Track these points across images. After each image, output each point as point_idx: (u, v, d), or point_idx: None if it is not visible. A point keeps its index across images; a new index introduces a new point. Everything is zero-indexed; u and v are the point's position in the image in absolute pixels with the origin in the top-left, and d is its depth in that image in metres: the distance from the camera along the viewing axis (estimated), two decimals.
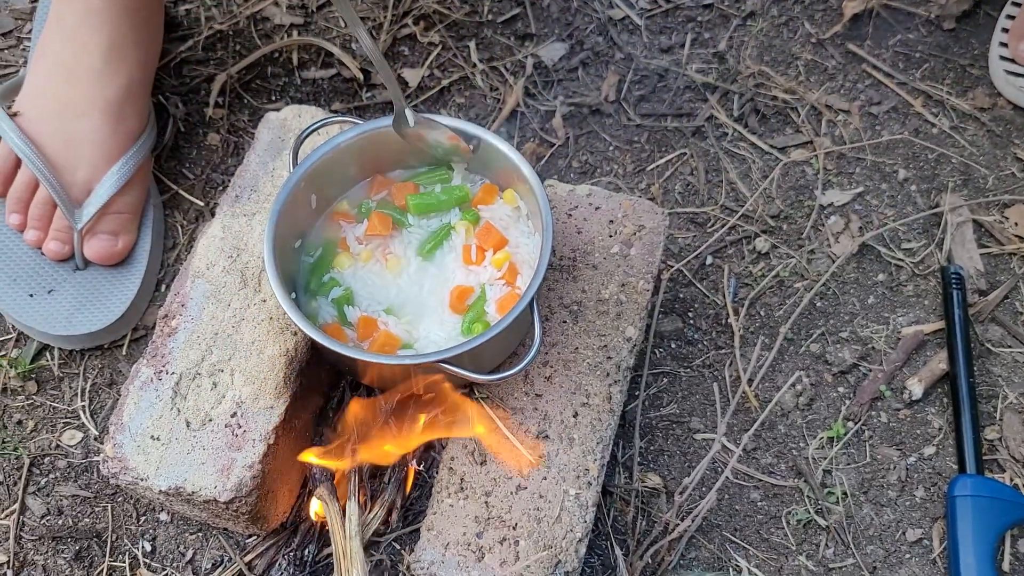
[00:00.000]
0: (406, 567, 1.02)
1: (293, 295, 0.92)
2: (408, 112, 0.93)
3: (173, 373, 0.97)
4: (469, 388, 0.98)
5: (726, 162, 1.27)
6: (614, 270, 1.02)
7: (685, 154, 1.28)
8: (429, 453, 1.06)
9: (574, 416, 0.95)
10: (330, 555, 1.02)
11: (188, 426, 0.94)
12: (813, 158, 1.27)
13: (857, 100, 1.31)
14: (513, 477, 0.93)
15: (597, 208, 1.06)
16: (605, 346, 0.99)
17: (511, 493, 0.92)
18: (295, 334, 0.98)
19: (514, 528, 0.91)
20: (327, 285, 0.96)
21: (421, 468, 1.05)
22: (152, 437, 0.94)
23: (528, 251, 0.96)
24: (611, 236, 1.04)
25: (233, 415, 0.95)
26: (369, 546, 1.01)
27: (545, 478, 0.93)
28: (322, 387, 1.06)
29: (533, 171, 0.92)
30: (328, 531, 1.03)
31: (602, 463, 0.94)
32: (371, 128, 0.97)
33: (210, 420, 0.95)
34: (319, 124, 0.98)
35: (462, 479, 0.93)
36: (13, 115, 1.14)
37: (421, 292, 0.96)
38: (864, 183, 1.25)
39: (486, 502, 0.92)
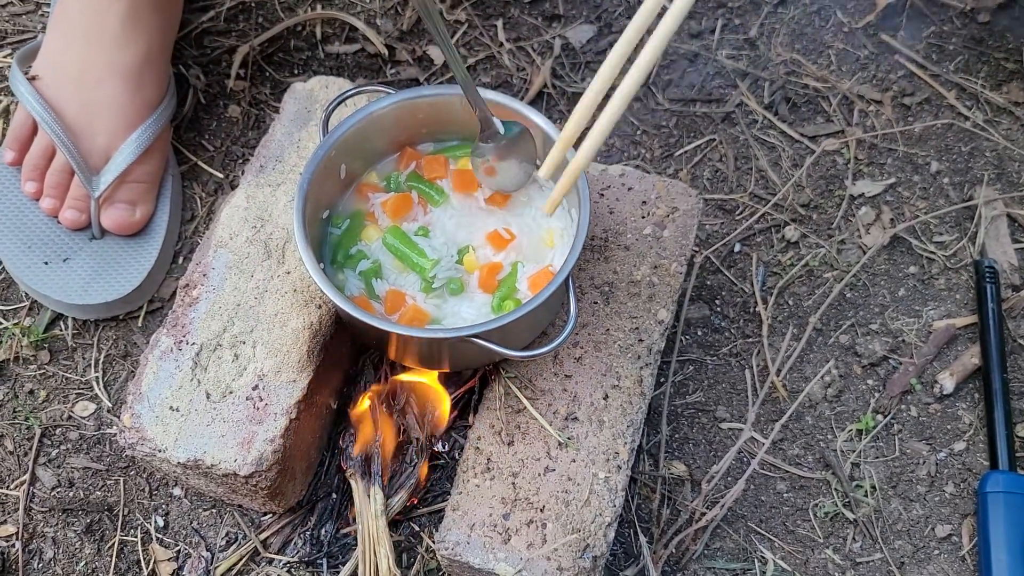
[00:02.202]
0: (425, 549, 1.00)
1: (320, 266, 0.89)
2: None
3: (193, 343, 0.95)
4: (495, 367, 0.96)
5: (756, 149, 1.25)
6: (647, 252, 1.00)
7: (714, 140, 1.26)
8: (450, 434, 1.04)
9: (604, 399, 0.93)
10: (346, 535, 1.00)
11: (208, 398, 0.92)
12: (844, 148, 1.24)
13: (889, 91, 1.29)
14: (541, 459, 0.90)
15: (630, 188, 1.04)
16: (636, 328, 0.96)
17: (539, 475, 0.90)
18: (320, 307, 0.95)
19: (541, 510, 0.88)
20: (354, 258, 0.94)
21: (443, 449, 1.02)
22: (171, 408, 0.92)
23: (563, 224, 0.94)
24: (644, 217, 1.02)
25: (255, 388, 0.92)
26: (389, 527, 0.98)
27: (574, 460, 0.90)
28: (343, 363, 1.04)
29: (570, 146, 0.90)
30: (344, 511, 1.01)
31: (632, 447, 0.92)
32: (403, 98, 0.94)
33: (231, 392, 0.92)
34: (352, 92, 0.95)
35: (489, 459, 0.91)
36: (31, 79, 1.12)
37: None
38: (896, 174, 1.23)
39: (513, 483, 0.90)
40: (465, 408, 1.03)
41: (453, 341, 0.84)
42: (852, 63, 1.31)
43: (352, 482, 0.98)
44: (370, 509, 0.92)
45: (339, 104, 0.97)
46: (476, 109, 0.89)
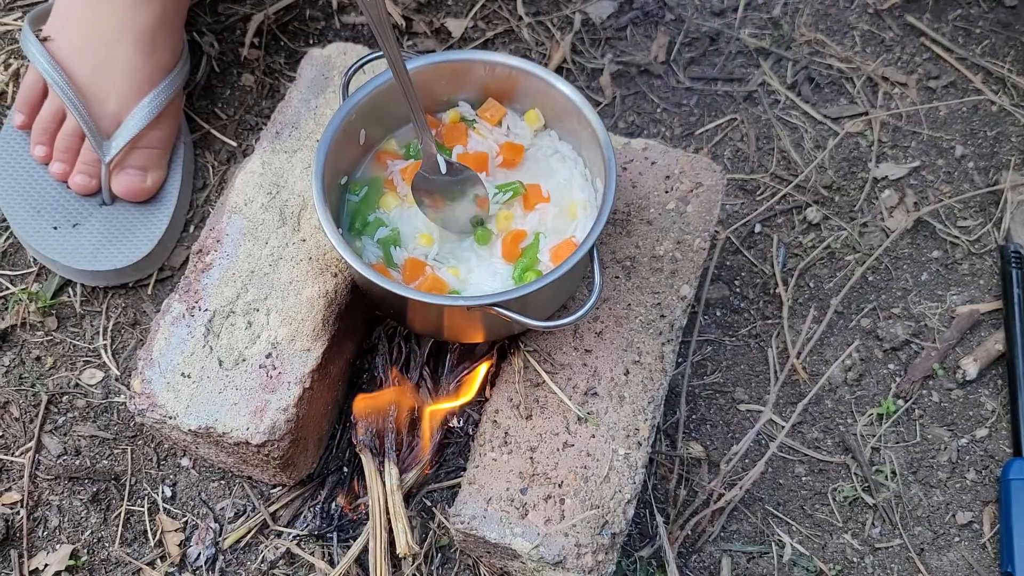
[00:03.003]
0: (437, 524, 0.98)
1: (339, 232, 0.87)
2: (440, 159, 0.87)
3: (206, 310, 0.93)
4: (514, 340, 0.94)
5: (778, 130, 1.23)
6: (669, 227, 0.98)
7: (735, 119, 1.24)
8: (464, 409, 1.02)
9: (625, 374, 0.91)
10: (357, 509, 0.98)
11: (221, 365, 0.90)
12: (868, 130, 1.22)
13: (915, 73, 1.26)
14: (560, 433, 0.89)
15: (653, 163, 1.02)
16: (659, 304, 0.94)
17: (557, 450, 0.88)
18: (335, 275, 0.93)
19: (560, 486, 0.86)
20: (373, 225, 0.92)
21: (458, 424, 1.00)
22: (183, 374, 0.90)
23: (586, 195, 0.92)
24: (667, 192, 1.00)
25: (268, 356, 0.90)
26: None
27: (593, 436, 0.89)
28: (357, 334, 1.02)
29: (595, 112, 0.88)
30: (355, 485, 0.99)
31: (653, 423, 0.90)
32: (424, 63, 0.92)
33: (244, 360, 0.90)
34: (372, 57, 0.93)
35: (506, 433, 0.89)
36: (43, 40, 1.09)
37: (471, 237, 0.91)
38: (920, 158, 1.21)
39: (531, 457, 0.88)
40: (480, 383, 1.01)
41: (474, 310, 0.82)
42: (877, 45, 1.29)
43: (363, 457, 0.96)
44: (381, 485, 0.90)
45: (358, 70, 0.94)
46: (420, 139, 0.86)
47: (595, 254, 0.83)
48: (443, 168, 0.87)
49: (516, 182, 0.91)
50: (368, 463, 0.93)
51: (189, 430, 0.88)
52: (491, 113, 0.95)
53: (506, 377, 0.92)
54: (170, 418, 0.88)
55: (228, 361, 0.90)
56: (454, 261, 0.90)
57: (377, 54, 0.94)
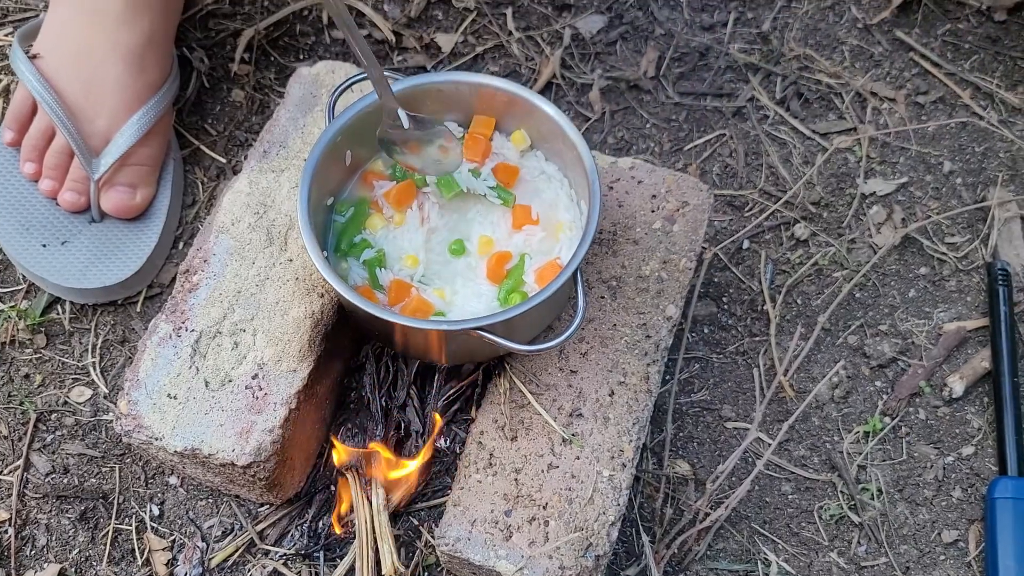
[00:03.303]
0: (424, 544, 0.98)
1: (323, 255, 0.87)
2: (401, 113, 0.87)
3: (193, 330, 0.93)
4: (499, 361, 0.94)
5: (767, 145, 1.23)
6: (656, 246, 0.98)
7: (724, 135, 1.24)
8: (451, 428, 1.02)
9: (610, 395, 0.92)
10: (345, 526, 0.99)
11: (207, 386, 0.90)
12: (856, 145, 1.23)
13: (903, 88, 1.27)
14: (544, 455, 0.89)
15: (640, 182, 1.02)
16: (644, 324, 0.95)
17: (542, 471, 0.88)
18: (322, 296, 0.94)
19: (544, 508, 0.87)
20: (358, 246, 0.92)
21: (443, 444, 1.01)
22: (169, 396, 0.90)
23: (571, 216, 0.92)
24: (653, 211, 1.00)
25: (254, 377, 0.91)
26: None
27: (578, 458, 0.89)
28: (344, 354, 1.02)
29: (579, 134, 0.88)
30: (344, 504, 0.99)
31: (638, 445, 0.90)
32: (411, 84, 0.93)
33: (230, 381, 0.91)
34: (359, 77, 0.93)
35: (491, 454, 0.90)
36: (32, 57, 1.10)
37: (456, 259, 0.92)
38: (908, 174, 1.21)
39: (516, 479, 0.88)
40: (467, 402, 1.02)
41: (457, 333, 0.82)
42: (866, 60, 1.29)
43: (348, 478, 0.96)
44: (367, 506, 0.90)
45: (346, 89, 0.95)
46: (378, 93, 0.86)
47: (579, 277, 0.83)
48: (405, 122, 0.87)
49: (508, 192, 0.92)
50: (354, 485, 0.93)
51: (175, 451, 0.88)
52: (482, 128, 0.96)
53: (491, 398, 0.93)
54: (156, 439, 0.89)
55: (214, 382, 0.91)
56: (439, 282, 0.91)
57: (364, 75, 0.94)
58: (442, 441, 1.00)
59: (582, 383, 0.92)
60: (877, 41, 1.30)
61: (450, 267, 0.91)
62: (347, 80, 0.95)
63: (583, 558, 0.85)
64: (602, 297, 0.96)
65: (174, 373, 0.91)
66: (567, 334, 0.81)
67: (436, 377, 1.00)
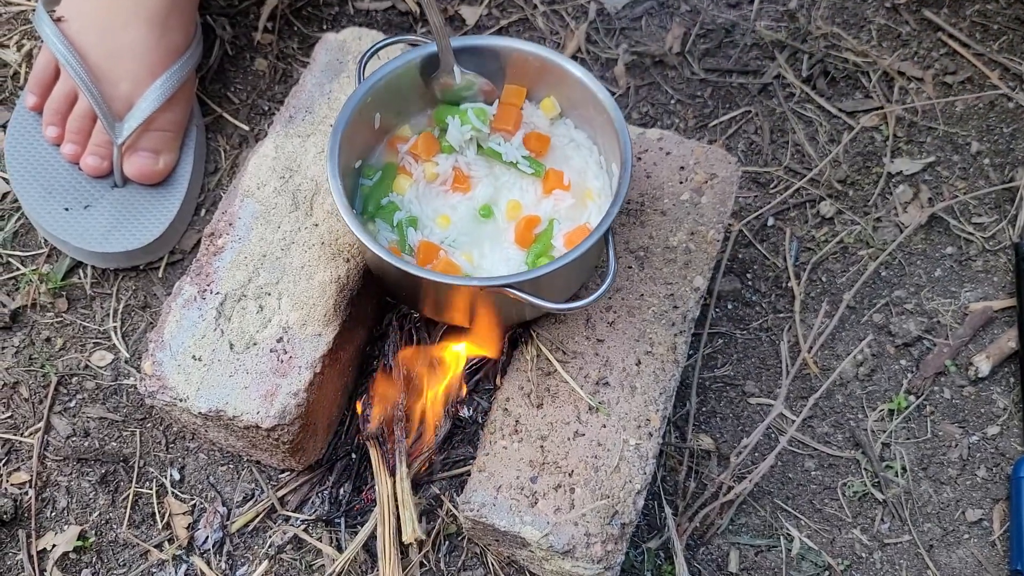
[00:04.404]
0: (445, 512, 0.98)
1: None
2: (457, 68, 0.91)
3: (218, 293, 0.92)
4: (526, 329, 0.94)
5: (793, 123, 1.22)
6: (683, 217, 0.98)
7: (750, 112, 1.23)
8: (473, 398, 1.02)
9: (637, 364, 0.91)
10: (362, 492, 0.98)
11: (232, 348, 0.90)
12: (883, 124, 1.22)
13: (931, 68, 1.26)
14: (571, 423, 0.88)
15: (668, 153, 1.01)
16: (672, 295, 0.94)
17: (568, 439, 0.88)
18: (347, 260, 0.93)
19: (570, 475, 0.86)
20: (386, 208, 0.91)
21: (466, 413, 1.00)
22: (194, 357, 0.89)
23: (600, 183, 0.91)
24: (681, 183, 0.99)
25: (279, 340, 0.90)
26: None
27: (604, 426, 0.88)
28: (368, 321, 1.02)
29: (610, 96, 0.88)
30: (363, 471, 0.99)
31: (664, 414, 0.89)
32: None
33: (255, 344, 0.90)
34: (389, 41, 0.93)
35: (517, 421, 0.89)
36: (57, 20, 1.09)
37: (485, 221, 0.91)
38: (935, 153, 1.20)
39: (542, 446, 0.88)
40: (490, 373, 1.01)
41: (487, 291, 0.81)
42: (893, 39, 1.28)
43: (370, 448, 0.96)
44: (388, 474, 0.90)
45: (373, 55, 0.94)
46: (439, 46, 0.90)
47: (610, 238, 0.83)
48: (458, 78, 0.91)
49: (540, 163, 0.91)
50: (375, 453, 0.93)
51: (199, 413, 0.88)
52: (513, 98, 0.95)
53: (518, 365, 0.92)
54: (180, 400, 0.88)
55: (239, 345, 0.90)
56: (468, 246, 0.90)
57: (392, 39, 0.94)
58: (465, 410, 1.00)
59: (609, 352, 0.91)
60: (905, 20, 1.29)
61: (479, 230, 0.90)
62: (375, 44, 0.94)
63: (609, 526, 0.84)
64: (629, 267, 0.95)
65: (199, 335, 0.90)
66: (600, 292, 0.80)
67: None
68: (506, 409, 0.90)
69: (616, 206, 0.81)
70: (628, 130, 0.86)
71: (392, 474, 0.94)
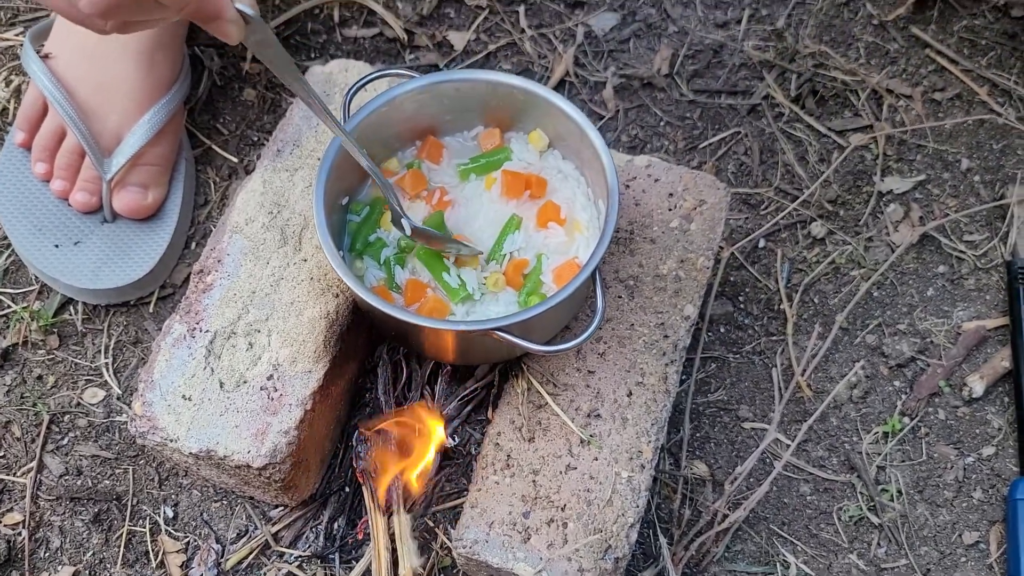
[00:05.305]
0: (439, 545, 0.97)
1: (340, 254, 0.87)
2: (405, 221, 0.87)
3: (207, 331, 0.92)
4: (516, 361, 0.93)
5: (782, 143, 1.22)
6: (673, 245, 0.97)
7: (739, 133, 1.23)
8: (464, 428, 1.01)
9: (628, 395, 0.91)
10: (356, 527, 0.98)
11: (222, 387, 0.90)
12: (872, 143, 1.22)
13: (920, 86, 1.25)
14: (563, 456, 0.88)
15: (656, 180, 1.01)
16: (662, 324, 0.94)
17: (560, 473, 0.88)
18: (337, 296, 0.93)
19: (563, 509, 0.86)
20: (374, 245, 0.91)
21: (455, 442, 1.00)
22: (184, 397, 0.89)
23: (588, 215, 0.91)
24: (670, 210, 0.99)
25: (269, 377, 0.90)
26: None
27: (596, 459, 0.88)
28: (359, 354, 1.01)
29: (597, 132, 0.88)
30: (357, 505, 0.99)
31: (656, 446, 0.89)
32: (427, 83, 0.92)
33: (245, 382, 0.90)
34: (374, 75, 0.93)
35: (508, 455, 0.89)
36: (44, 57, 1.09)
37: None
38: (925, 171, 1.20)
39: (534, 481, 0.87)
40: (482, 403, 1.01)
41: (475, 334, 0.81)
42: (882, 57, 1.28)
43: (363, 486, 0.96)
44: (381, 513, 0.90)
45: (360, 88, 0.94)
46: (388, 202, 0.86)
47: (597, 278, 0.82)
48: (407, 230, 0.87)
49: (514, 215, 0.91)
50: (368, 492, 0.93)
51: (190, 453, 0.88)
52: (490, 142, 0.95)
53: (508, 399, 0.92)
54: (171, 441, 0.88)
55: (229, 383, 0.90)
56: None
57: (378, 73, 0.94)
58: (450, 440, 0.99)
59: (600, 383, 0.91)
60: (893, 38, 1.29)
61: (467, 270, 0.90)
62: (361, 79, 0.94)
63: (602, 560, 0.84)
64: (619, 296, 0.95)
65: (189, 374, 0.90)
66: (585, 335, 0.80)
67: (442, 377, 0.99)
68: (497, 443, 0.89)
69: (602, 247, 0.81)
70: (614, 162, 0.86)
71: (387, 511, 0.93)
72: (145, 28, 0.69)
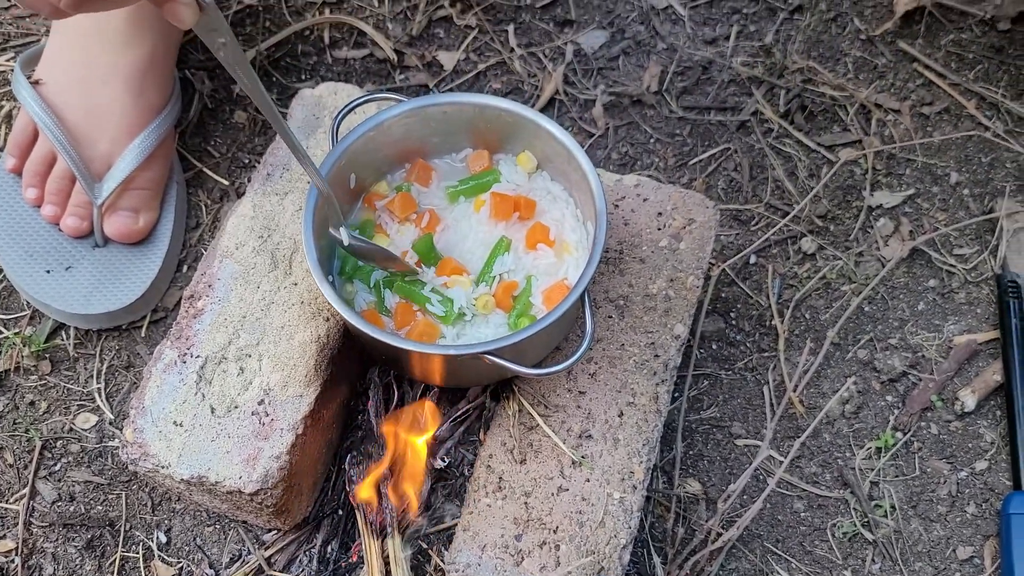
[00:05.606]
0: (433, 567, 0.97)
1: (329, 278, 0.87)
2: (343, 230, 0.86)
3: (198, 356, 0.92)
4: (507, 383, 0.93)
5: (772, 159, 1.23)
6: (662, 264, 0.98)
7: (729, 149, 1.24)
8: (458, 450, 1.01)
9: (619, 416, 0.91)
10: (350, 550, 0.98)
11: (213, 412, 0.90)
12: (862, 158, 1.22)
13: (908, 100, 1.26)
14: (554, 478, 0.88)
15: (645, 199, 1.01)
16: (652, 343, 0.94)
17: (552, 494, 0.87)
18: (327, 319, 0.93)
19: (555, 531, 0.86)
20: (363, 269, 0.91)
21: (446, 462, 0.99)
22: (175, 423, 0.89)
23: (577, 236, 0.91)
24: (660, 229, 1.00)
25: (260, 402, 0.90)
26: None
27: (588, 480, 0.88)
28: (351, 376, 1.01)
29: (585, 155, 0.88)
30: (350, 528, 0.99)
31: (648, 466, 0.89)
32: (414, 106, 0.92)
33: (236, 407, 0.90)
34: (362, 100, 0.93)
35: (500, 478, 0.89)
36: (34, 83, 1.09)
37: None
38: (915, 185, 1.20)
39: (526, 503, 0.87)
40: (474, 424, 1.01)
41: (464, 358, 0.81)
42: (870, 71, 1.28)
43: (356, 509, 0.95)
44: (375, 536, 0.90)
45: (349, 112, 0.94)
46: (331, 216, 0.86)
47: (586, 300, 0.83)
48: (345, 240, 0.86)
49: (503, 237, 0.91)
50: (361, 514, 0.92)
51: (182, 479, 0.88)
52: (479, 164, 0.96)
53: (500, 421, 0.92)
54: (163, 467, 0.88)
55: (220, 408, 0.90)
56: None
57: (366, 98, 0.94)
58: (438, 462, 0.98)
59: (591, 404, 0.91)
60: (880, 52, 1.29)
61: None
62: (350, 103, 0.94)
63: None
64: (610, 316, 0.95)
65: (180, 400, 0.90)
66: (575, 358, 0.80)
67: (437, 397, 1.00)
68: (489, 466, 0.89)
69: (591, 268, 0.81)
70: (603, 181, 0.86)
71: (381, 535, 0.93)
72: (100, 9, 0.68)
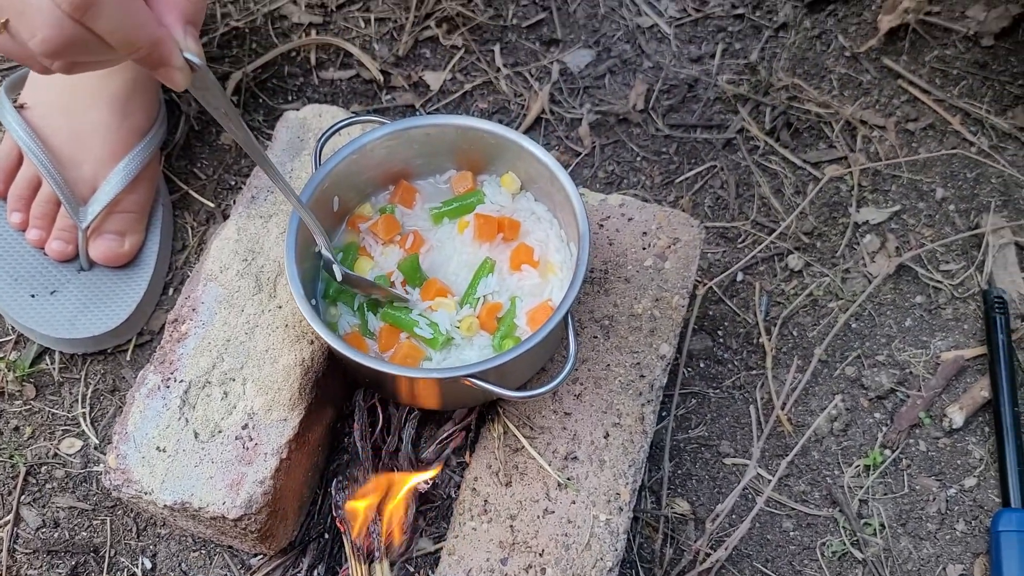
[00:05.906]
0: None
1: (312, 301, 0.87)
2: (336, 267, 0.86)
3: (182, 381, 0.92)
4: (492, 404, 0.93)
5: (758, 176, 1.23)
6: (648, 284, 0.98)
7: (715, 167, 1.24)
8: (445, 471, 1.01)
9: (605, 437, 0.90)
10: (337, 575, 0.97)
11: (196, 437, 0.89)
12: (847, 174, 1.22)
13: (893, 116, 1.26)
14: (540, 500, 0.88)
15: (630, 219, 1.01)
16: (638, 363, 0.94)
17: (538, 517, 0.87)
18: (312, 343, 0.93)
19: (541, 555, 0.85)
20: (347, 292, 0.91)
21: (430, 484, 0.99)
22: (158, 448, 0.89)
23: (561, 257, 0.91)
24: (644, 249, 0.99)
25: (244, 427, 0.89)
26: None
27: (574, 502, 0.88)
28: (336, 399, 1.01)
29: (568, 176, 0.88)
30: (336, 552, 0.98)
31: (634, 488, 0.89)
32: (397, 129, 0.92)
33: (220, 432, 0.89)
34: (344, 123, 0.93)
35: (486, 501, 0.88)
36: (20, 107, 1.09)
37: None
38: (901, 201, 1.21)
39: (511, 526, 0.87)
40: (461, 446, 1.00)
41: (448, 381, 0.81)
42: (855, 88, 1.29)
43: (343, 534, 0.95)
44: (361, 562, 0.89)
45: (332, 134, 0.94)
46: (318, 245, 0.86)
47: (570, 321, 0.82)
48: (338, 276, 0.86)
49: (487, 258, 0.91)
50: (348, 538, 0.92)
51: (165, 505, 0.87)
52: (463, 185, 0.96)
53: (485, 443, 0.91)
54: (146, 494, 0.87)
55: (204, 433, 0.89)
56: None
57: (347, 121, 0.94)
58: (423, 486, 0.98)
59: (576, 425, 0.91)
60: (865, 69, 1.30)
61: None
62: (333, 126, 0.94)
63: None
64: (595, 337, 0.95)
65: (163, 425, 0.90)
66: (558, 381, 0.80)
67: (418, 420, 0.99)
68: (475, 489, 0.89)
69: (574, 290, 0.81)
70: (588, 202, 0.86)
71: (368, 559, 0.93)
72: (91, 70, 0.69)
